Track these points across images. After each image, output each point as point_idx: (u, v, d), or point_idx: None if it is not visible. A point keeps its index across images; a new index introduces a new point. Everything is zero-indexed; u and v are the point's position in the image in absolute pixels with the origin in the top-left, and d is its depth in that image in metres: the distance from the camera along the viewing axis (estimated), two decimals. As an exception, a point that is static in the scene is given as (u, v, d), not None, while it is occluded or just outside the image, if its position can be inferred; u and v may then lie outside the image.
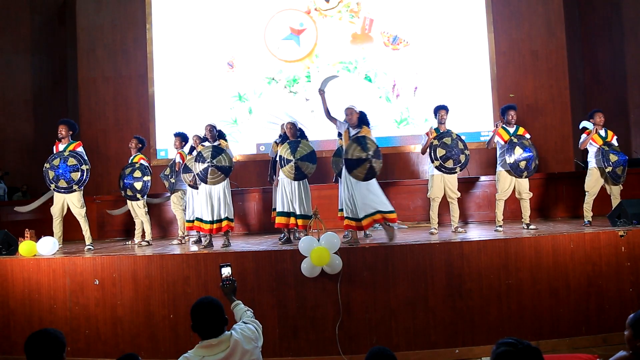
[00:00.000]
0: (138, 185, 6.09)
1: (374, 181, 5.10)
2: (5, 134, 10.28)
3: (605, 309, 4.71)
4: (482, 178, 7.31)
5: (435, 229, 5.78)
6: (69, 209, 5.92)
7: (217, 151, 5.40)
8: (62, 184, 5.68)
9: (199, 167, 5.36)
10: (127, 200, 6.33)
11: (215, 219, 5.46)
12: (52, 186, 5.73)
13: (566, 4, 8.40)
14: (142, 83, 8.62)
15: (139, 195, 6.13)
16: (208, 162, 5.32)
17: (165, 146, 8.58)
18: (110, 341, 4.86)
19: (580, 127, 6.18)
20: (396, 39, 8.37)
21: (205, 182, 5.38)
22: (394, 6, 8.40)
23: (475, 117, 8.17)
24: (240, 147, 8.40)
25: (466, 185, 7.04)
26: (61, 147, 5.87)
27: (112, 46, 8.74)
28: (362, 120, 5.30)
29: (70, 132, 5.94)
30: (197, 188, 5.97)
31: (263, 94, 8.50)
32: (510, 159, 5.60)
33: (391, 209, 5.10)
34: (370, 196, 5.06)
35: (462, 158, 5.67)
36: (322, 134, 8.03)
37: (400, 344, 4.58)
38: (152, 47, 8.67)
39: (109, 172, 8.17)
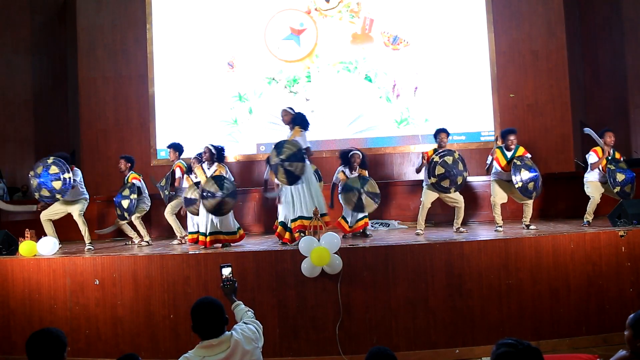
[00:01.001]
0: (125, 203, 6.15)
1: (302, 187, 5.15)
2: (5, 134, 10.27)
3: (606, 309, 4.71)
4: (482, 178, 7.30)
5: (421, 230, 5.85)
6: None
7: (219, 181, 5.36)
8: (45, 192, 5.60)
9: (208, 204, 5.27)
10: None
11: (210, 231, 5.44)
12: (37, 195, 5.65)
13: (566, 4, 8.39)
14: (142, 83, 8.60)
15: (126, 215, 6.19)
16: (219, 194, 5.23)
17: (166, 147, 8.55)
18: (110, 341, 4.87)
19: (585, 132, 6.13)
20: (396, 39, 8.36)
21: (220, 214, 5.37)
22: (394, 6, 8.38)
23: (476, 117, 8.15)
24: (240, 147, 8.39)
25: (466, 185, 7.03)
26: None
27: (112, 46, 8.72)
28: (294, 121, 5.34)
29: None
30: (197, 214, 5.87)
31: (263, 94, 8.49)
32: (518, 183, 5.53)
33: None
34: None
35: (460, 180, 5.71)
36: (323, 134, 8.04)
37: (400, 344, 4.58)
38: (152, 47, 8.66)
39: (109, 172, 8.15)
